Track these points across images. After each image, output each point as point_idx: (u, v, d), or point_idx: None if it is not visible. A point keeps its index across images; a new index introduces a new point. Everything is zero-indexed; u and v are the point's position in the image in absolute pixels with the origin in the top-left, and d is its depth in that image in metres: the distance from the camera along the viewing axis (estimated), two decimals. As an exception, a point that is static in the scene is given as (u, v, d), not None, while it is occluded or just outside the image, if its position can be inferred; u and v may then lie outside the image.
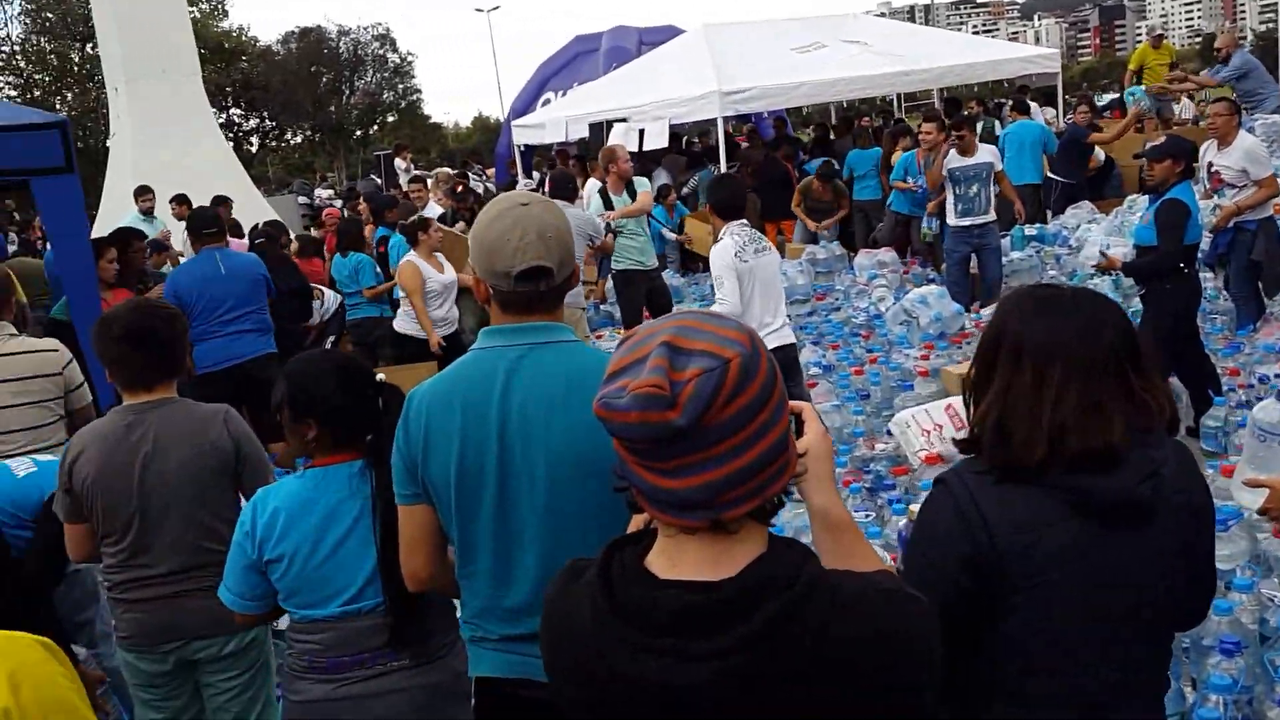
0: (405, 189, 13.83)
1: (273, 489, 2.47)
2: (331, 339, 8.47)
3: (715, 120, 11.16)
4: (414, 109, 50.73)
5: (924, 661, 1.22)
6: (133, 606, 2.87)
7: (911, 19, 62.77)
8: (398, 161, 18.14)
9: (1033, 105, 12.70)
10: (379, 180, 20.64)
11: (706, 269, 10.78)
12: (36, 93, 35.70)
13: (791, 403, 1.33)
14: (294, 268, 7.82)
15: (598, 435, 1.83)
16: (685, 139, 14.42)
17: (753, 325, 4.87)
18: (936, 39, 16.22)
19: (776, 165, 11.73)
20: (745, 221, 5.30)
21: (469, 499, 2.01)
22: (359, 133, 47.23)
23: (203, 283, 5.94)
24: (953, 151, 8.07)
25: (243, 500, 2.82)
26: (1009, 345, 1.70)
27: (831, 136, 13.66)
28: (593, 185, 8.91)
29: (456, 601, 2.24)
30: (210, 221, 6.31)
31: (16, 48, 37.58)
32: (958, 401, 4.53)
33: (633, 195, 7.89)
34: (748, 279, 5.14)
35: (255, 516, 2.40)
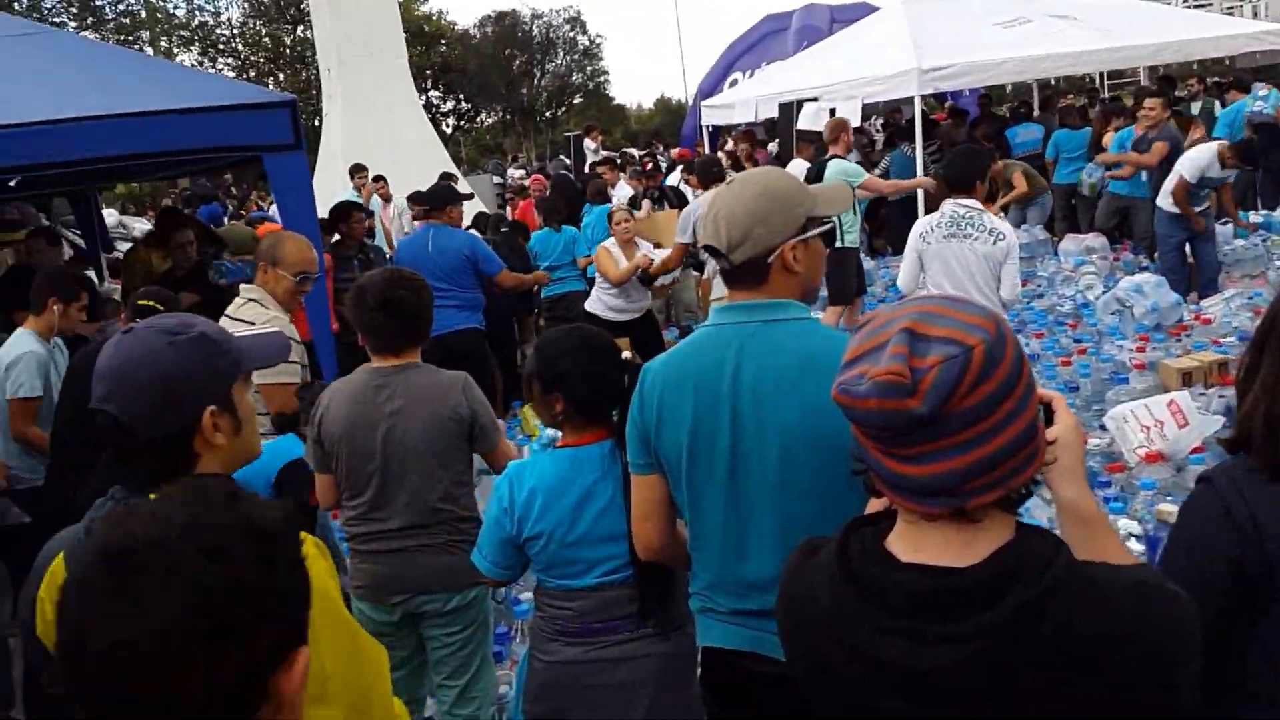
0: (593, 169, 14.13)
1: (527, 466, 2.57)
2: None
3: (911, 99, 10.84)
4: (600, 91, 51.53)
5: (1178, 660, 1.16)
6: (368, 558, 3.08)
7: (1120, -9, 58.51)
8: (587, 142, 18.47)
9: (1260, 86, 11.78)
10: (568, 160, 21.09)
11: (893, 252, 10.62)
12: (252, 74, 38.08)
13: (1041, 391, 1.29)
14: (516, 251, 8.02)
15: (832, 415, 1.82)
16: (875, 118, 14.11)
17: None
18: (1149, 13, 15.17)
19: (977, 145, 11.28)
20: (965, 200, 5.00)
21: (700, 474, 2.05)
22: (548, 114, 48.35)
23: (413, 256, 6.29)
24: (1215, 163, 7.58)
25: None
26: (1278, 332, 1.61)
27: (1035, 114, 13.08)
28: (798, 164, 8.80)
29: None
30: (434, 197, 6.64)
31: (235, 31, 40.32)
32: (1181, 397, 4.29)
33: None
34: (929, 262, 4.98)
35: (513, 494, 2.50)
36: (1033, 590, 1.14)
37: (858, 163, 8.77)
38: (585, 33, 48.44)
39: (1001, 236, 4.91)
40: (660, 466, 2.13)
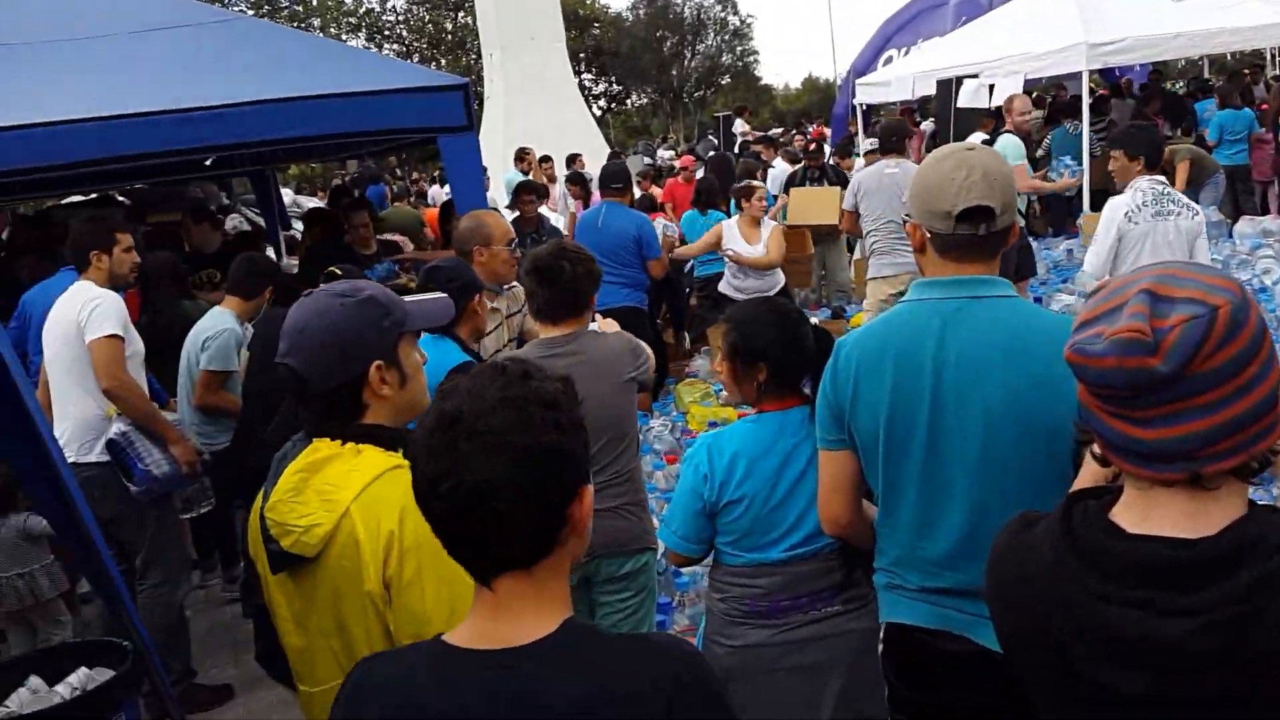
0: (744, 148, 14.10)
1: (724, 434, 2.59)
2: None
3: (1078, 75, 10.42)
4: (749, 71, 51.12)
5: None
6: None
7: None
8: (738, 123, 18.46)
9: None
10: (716, 141, 21.12)
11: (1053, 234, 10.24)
12: (415, 59, 39.45)
13: None
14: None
15: (1039, 394, 1.88)
16: (1036, 94, 13.60)
17: None
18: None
19: (1147, 123, 10.77)
20: (1159, 177, 4.83)
21: (896, 450, 2.04)
22: (696, 95, 48.32)
23: (583, 232, 6.58)
24: None
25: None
26: None
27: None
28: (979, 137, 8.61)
29: None
30: (613, 177, 6.85)
31: (400, 18, 41.86)
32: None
33: None
34: (1133, 242, 4.77)
35: (712, 460, 2.50)
36: (1270, 565, 1.10)
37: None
38: (736, 13, 48.22)
39: (1196, 211, 4.85)
40: (852, 442, 2.12)
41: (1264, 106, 11.43)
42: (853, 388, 2.07)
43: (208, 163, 7.57)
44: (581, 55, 41.64)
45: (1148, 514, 1.19)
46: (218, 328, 4.77)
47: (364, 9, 40.92)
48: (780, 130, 15.53)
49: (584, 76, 43.34)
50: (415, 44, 41.63)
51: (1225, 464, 1.14)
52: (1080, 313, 1.21)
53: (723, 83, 49.16)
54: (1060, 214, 10.65)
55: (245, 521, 1.93)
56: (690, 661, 1.24)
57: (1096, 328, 1.17)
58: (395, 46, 41.15)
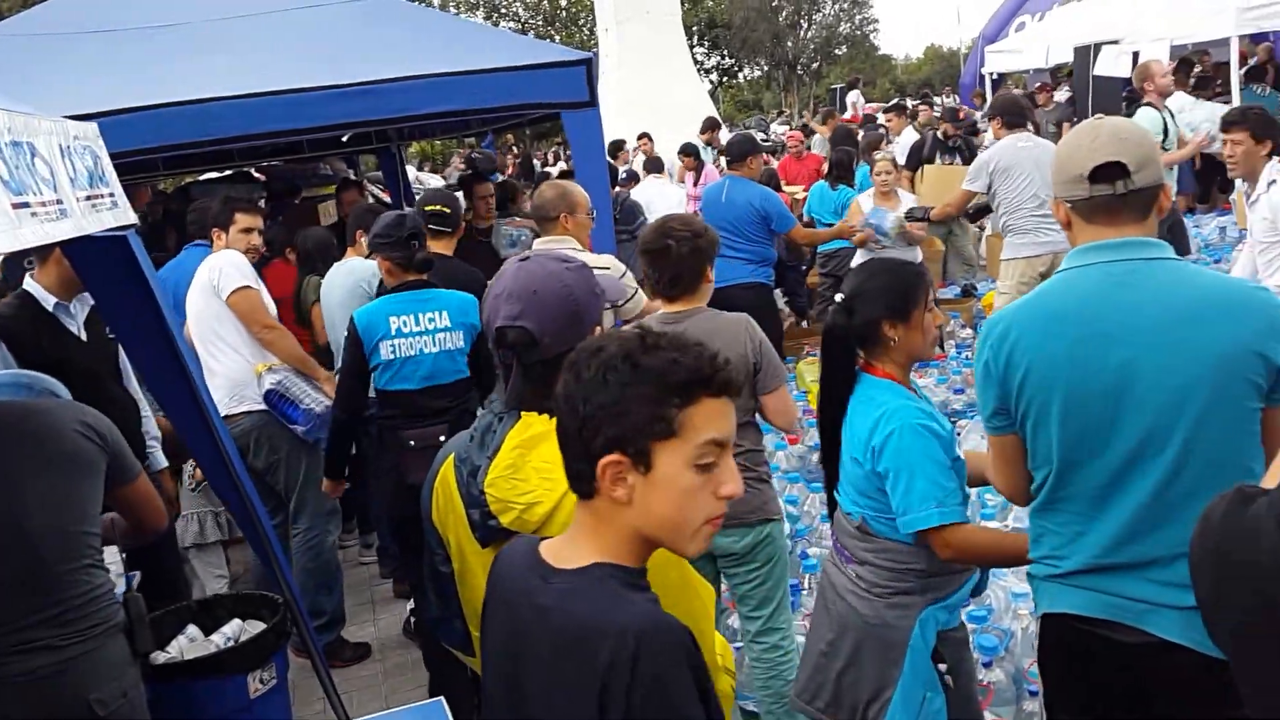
0: (867, 121, 13.79)
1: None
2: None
3: (1228, 40, 9.85)
4: (867, 40, 50.06)
5: None
6: None
7: None
8: (851, 94, 18.10)
9: None
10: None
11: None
12: (530, 35, 39.97)
13: None
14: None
15: (1240, 360, 1.82)
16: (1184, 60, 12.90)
17: None
18: None
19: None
20: None
21: (1074, 424, 1.96)
22: (813, 67, 47.58)
23: (708, 206, 6.54)
24: None
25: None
26: None
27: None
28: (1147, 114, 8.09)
29: None
30: (737, 148, 6.85)
31: (515, -5, 42.38)
32: None
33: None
34: None
35: (937, 422, 2.40)
36: None
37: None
38: (857, -19, 47.21)
39: None
40: (1021, 423, 2.05)
41: None
42: (1024, 364, 1.99)
43: (344, 139, 7.77)
44: (694, 28, 41.43)
45: None
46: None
47: (480, -14, 41.54)
48: (920, 101, 15.08)
49: (696, 50, 43.15)
50: (531, 21, 42.04)
51: None
52: None
53: (839, 53, 48.27)
54: (1208, 188, 10.13)
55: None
56: (653, 627, 1.32)
57: None
58: (511, 24, 41.65)
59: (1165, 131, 6.95)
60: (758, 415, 3.23)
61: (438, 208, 4.57)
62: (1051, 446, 2.02)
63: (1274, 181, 4.36)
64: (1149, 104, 7.16)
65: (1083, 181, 1.95)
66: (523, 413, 1.79)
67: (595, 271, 1.96)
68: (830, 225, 7.85)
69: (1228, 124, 4.70)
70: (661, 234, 3.15)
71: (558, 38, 39.82)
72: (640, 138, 12.59)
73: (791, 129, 19.73)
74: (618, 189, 8.55)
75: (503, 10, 42.28)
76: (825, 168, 9.16)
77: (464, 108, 5.21)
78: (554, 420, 1.48)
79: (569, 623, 1.36)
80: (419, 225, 3.98)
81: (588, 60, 5.44)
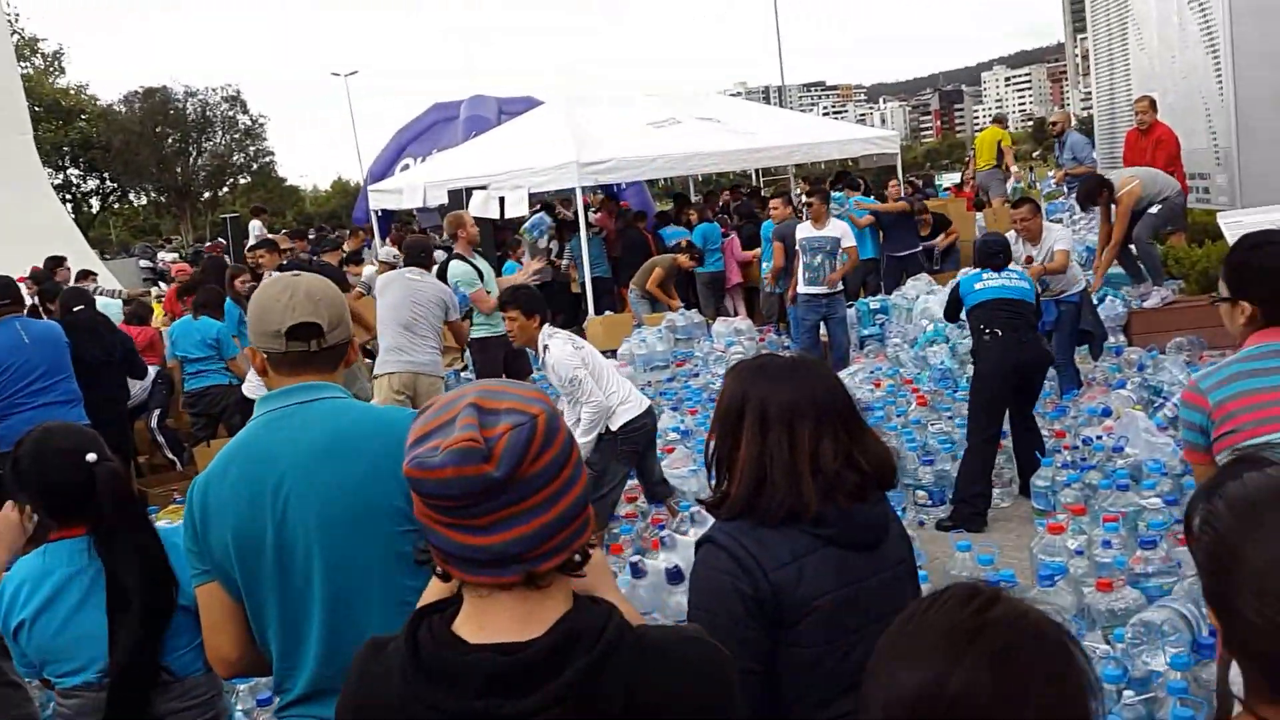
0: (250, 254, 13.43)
1: (17, 565, 2.53)
2: (157, 412, 8.04)
3: (574, 189, 11.30)
4: (267, 171, 49.64)
5: (728, 704, 1.28)
6: None
7: (766, 100, 65.21)
8: (254, 224, 17.64)
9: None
10: (224, 242, 20.01)
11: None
12: None
13: None
14: (119, 336, 7.32)
15: (369, 488, 1.93)
16: (545, 204, 14.54)
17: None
18: (786, 118, 16.89)
19: (636, 234, 11.98)
20: None
21: (249, 572, 1.96)
22: (207, 195, 45.86)
23: (8, 351, 5.57)
24: (806, 222, 8.40)
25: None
26: (754, 412, 1.87)
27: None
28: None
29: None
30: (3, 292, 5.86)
31: None
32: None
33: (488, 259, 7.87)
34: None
35: (4, 588, 2.48)
36: (593, 653, 1.20)
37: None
38: (246, 112, 46.73)
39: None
40: (219, 572, 2.01)
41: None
42: (202, 513, 1.99)
43: None
44: (66, 149, 37.74)
45: (485, 623, 1.24)
46: None
47: None
48: (316, 236, 15.01)
49: (70, 172, 39.35)
50: None
51: (554, 561, 1.24)
52: (413, 428, 1.25)
53: (239, 182, 47.24)
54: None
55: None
56: None
57: (432, 441, 1.20)
58: None
59: (481, 275, 7.54)
60: None
61: None
62: (243, 597, 1.99)
63: None
64: (459, 255, 7.64)
65: (279, 338, 2.01)
66: None
67: None
68: (203, 359, 7.51)
69: None
70: None
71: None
72: None
73: (181, 258, 18.62)
74: None
75: None
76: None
77: None
78: None
79: None
80: None
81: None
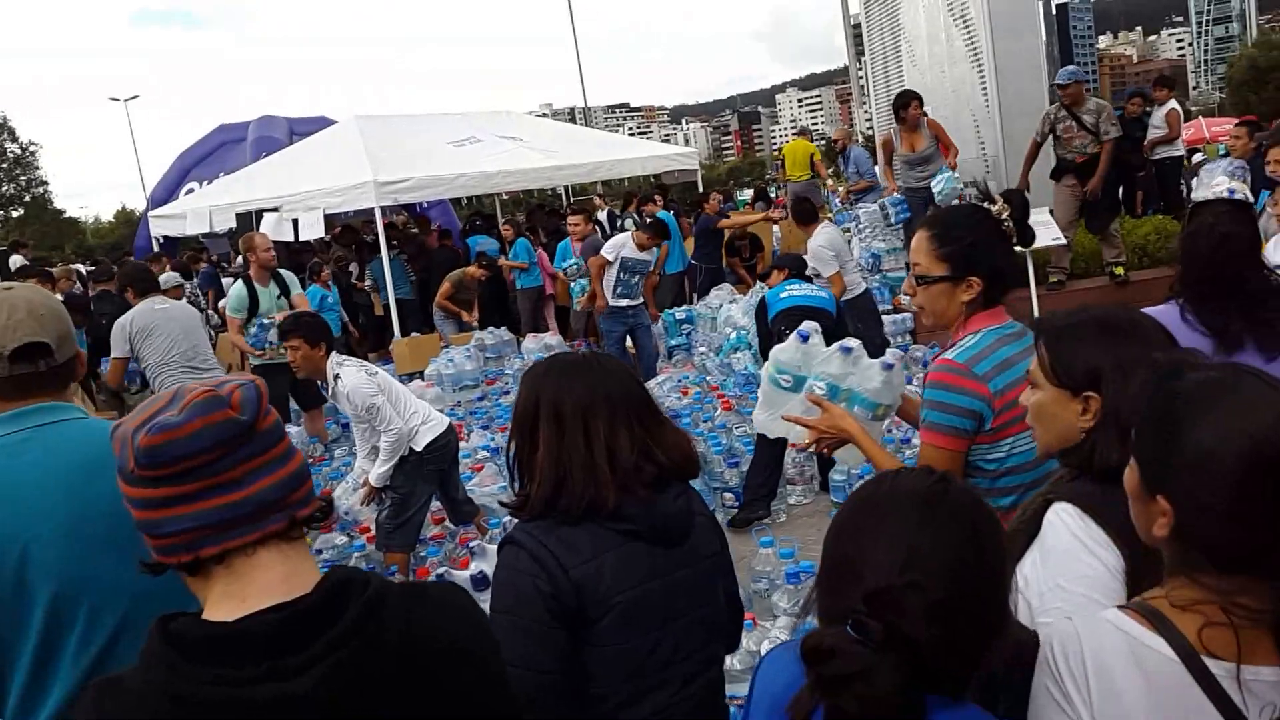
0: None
1: None
2: None
3: (373, 210, 10.98)
4: (41, 203, 46.21)
5: (492, 650, 1.35)
6: None
7: (572, 121, 65.84)
8: (14, 258, 16.30)
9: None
10: (-5, 279, 18.44)
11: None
12: None
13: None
14: None
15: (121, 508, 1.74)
16: (347, 226, 14.10)
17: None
18: (589, 137, 17.06)
19: (446, 252, 11.89)
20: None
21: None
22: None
23: None
24: (630, 243, 8.48)
25: None
26: (548, 411, 1.88)
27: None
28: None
29: None
30: None
31: None
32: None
33: (280, 285, 7.54)
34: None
35: None
36: (367, 597, 1.22)
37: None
38: (15, 140, 43.37)
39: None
40: None
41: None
42: None
43: None
44: None
45: (245, 595, 1.22)
46: None
47: None
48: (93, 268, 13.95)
49: None
50: None
51: (309, 509, 1.28)
52: (131, 421, 1.22)
53: (14, 215, 43.78)
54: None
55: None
56: None
57: (161, 416, 1.19)
58: None
59: (256, 304, 7.32)
60: None
61: None
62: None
63: None
64: (247, 276, 7.39)
65: (3, 361, 1.88)
66: None
67: None
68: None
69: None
70: None
71: None
72: None
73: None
74: None
75: None
76: None
77: None
78: None
79: None
80: None
81: None
